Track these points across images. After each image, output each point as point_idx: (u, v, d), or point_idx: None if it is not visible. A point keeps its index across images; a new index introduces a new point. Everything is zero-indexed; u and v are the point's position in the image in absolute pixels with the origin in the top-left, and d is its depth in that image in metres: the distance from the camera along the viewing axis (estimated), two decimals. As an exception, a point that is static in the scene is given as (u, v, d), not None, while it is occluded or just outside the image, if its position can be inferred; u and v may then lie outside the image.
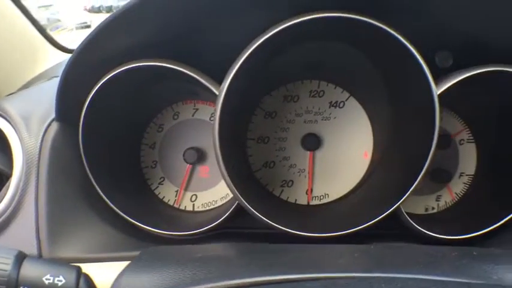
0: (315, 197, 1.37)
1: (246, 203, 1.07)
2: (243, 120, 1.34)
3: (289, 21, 0.95)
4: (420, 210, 1.39)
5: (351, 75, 1.29)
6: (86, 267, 1.01)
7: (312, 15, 0.95)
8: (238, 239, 1.24)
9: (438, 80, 1.06)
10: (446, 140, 1.36)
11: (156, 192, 1.39)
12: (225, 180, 1.05)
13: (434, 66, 1.12)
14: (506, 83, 1.11)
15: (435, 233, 1.18)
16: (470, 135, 1.38)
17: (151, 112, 1.38)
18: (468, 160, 1.39)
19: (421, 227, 1.17)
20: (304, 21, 0.95)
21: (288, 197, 1.37)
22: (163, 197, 1.40)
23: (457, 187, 1.39)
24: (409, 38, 0.99)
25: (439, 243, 1.17)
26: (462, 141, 1.39)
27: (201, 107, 1.37)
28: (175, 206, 1.40)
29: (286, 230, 1.09)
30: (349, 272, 0.75)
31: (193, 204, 1.39)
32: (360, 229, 1.10)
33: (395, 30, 0.96)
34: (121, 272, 0.85)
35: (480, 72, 1.04)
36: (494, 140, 1.33)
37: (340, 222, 1.20)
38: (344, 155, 1.35)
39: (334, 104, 1.35)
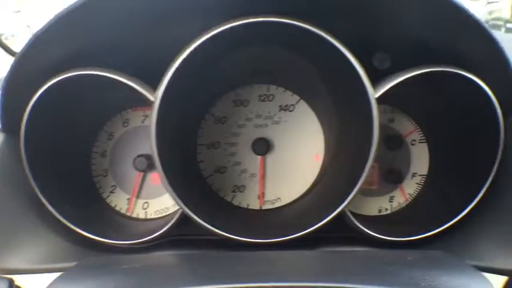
0: (267, 201, 1.37)
1: (187, 210, 1.07)
2: (191, 126, 1.34)
3: (221, 27, 0.96)
4: (374, 212, 1.39)
5: (298, 79, 1.29)
6: (23, 279, 1.00)
7: (242, 20, 0.95)
8: (188, 246, 1.25)
9: (377, 83, 1.06)
10: (397, 140, 1.37)
11: (108, 200, 1.39)
12: (164, 186, 1.05)
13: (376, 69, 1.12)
14: (450, 83, 1.12)
15: (383, 235, 1.17)
16: (422, 135, 1.39)
17: (100, 120, 1.37)
18: (420, 160, 1.40)
19: (369, 229, 1.17)
20: (234, 26, 0.95)
21: (240, 202, 1.37)
22: (115, 205, 1.40)
23: (410, 188, 1.39)
24: (346, 40, 0.99)
25: (388, 246, 1.18)
26: (414, 142, 1.40)
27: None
28: (128, 214, 1.39)
29: (229, 236, 1.08)
30: (264, 281, 0.75)
31: (146, 212, 1.39)
32: (305, 233, 1.11)
33: (328, 34, 0.97)
34: (50, 284, 0.85)
35: (418, 74, 1.05)
36: (445, 140, 1.33)
37: (289, 226, 1.20)
38: (295, 158, 1.36)
39: (284, 108, 1.36)
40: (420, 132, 1.40)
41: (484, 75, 1.10)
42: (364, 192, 1.39)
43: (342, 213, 1.12)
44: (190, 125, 1.34)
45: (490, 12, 2.32)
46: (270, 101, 1.36)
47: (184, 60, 1.00)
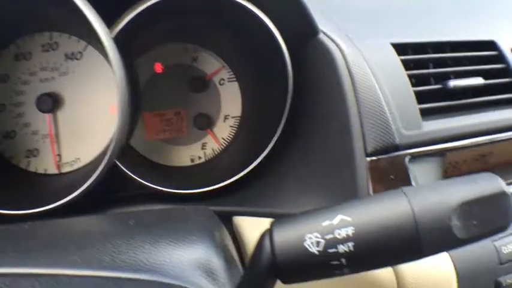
0: (66, 163, 1.23)
1: None
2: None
3: None
4: (186, 162, 1.29)
5: (78, 23, 1.12)
6: None
7: None
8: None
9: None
10: (200, 81, 1.23)
11: None
12: None
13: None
14: (227, 11, 1.04)
15: (178, 189, 1.07)
16: (231, 73, 1.26)
17: None
18: (232, 101, 1.30)
19: (164, 183, 1.11)
20: None
21: (36, 168, 1.23)
22: None
23: (224, 132, 1.29)
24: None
25: (182, 199, 1.11)
26: (223, 81, 1.28)
27: None
28: None
29: None
30: None
31: None
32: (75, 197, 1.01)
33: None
34: None
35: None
36: (253, 78, 1.23)
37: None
38: (89, 112, 1.23)
39: (71, 56, 1.22)
40: (229, 70, 1.26)
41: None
42: (173, 141, 1.26)
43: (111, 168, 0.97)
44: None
45: None
46: (54, 50, 1.21)
47: None
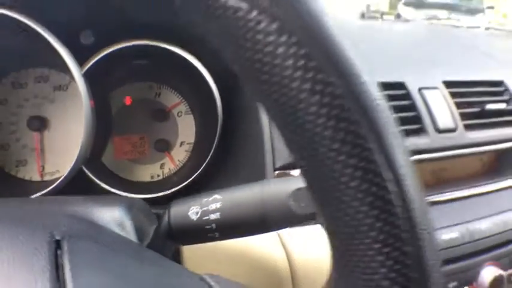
0: (48, 173, 1.50)
1: None
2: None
3: None
4: (147, 178, 1.54)
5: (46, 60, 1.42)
6: None
7: None
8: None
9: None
10: (161, 113, 1.51)
11: None
12: None
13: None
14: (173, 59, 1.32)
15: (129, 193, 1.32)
16: (187, 107, 1.53)
17: None
18: (187, 130, 1.56)
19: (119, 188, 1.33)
20: None
21: (24, 176, 1.50)
22: None
23: (180, 155, 1.55)
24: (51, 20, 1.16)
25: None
26: (180, 113, 1.55)
27: None
28: None
29: None
30: None
31: None
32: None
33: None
34: None
35: (119, 49, 1.20)
36: (205, 111, 1.49)
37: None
38: (70, 133, 1.50)
39: (59, 88, 1.50)
40: (186, 104, 1.54)
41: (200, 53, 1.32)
42: (137, 161, 1.53)
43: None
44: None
45: (368, 6, 2.52)
46: (45, 82, 1.50)
47: None
